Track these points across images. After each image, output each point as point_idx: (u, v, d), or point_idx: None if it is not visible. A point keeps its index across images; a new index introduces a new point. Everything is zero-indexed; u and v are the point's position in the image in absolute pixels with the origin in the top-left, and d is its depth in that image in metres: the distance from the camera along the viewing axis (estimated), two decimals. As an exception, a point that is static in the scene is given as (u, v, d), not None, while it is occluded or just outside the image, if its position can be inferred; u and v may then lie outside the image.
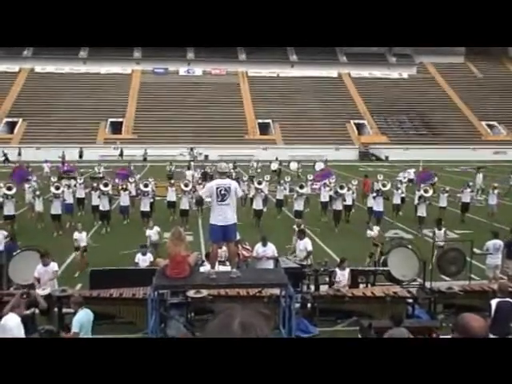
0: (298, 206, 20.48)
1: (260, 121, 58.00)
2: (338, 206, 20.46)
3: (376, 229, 15.37)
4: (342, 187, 21.13)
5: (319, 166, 33.68)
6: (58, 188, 19.65)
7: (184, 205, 20.12)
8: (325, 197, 21.89)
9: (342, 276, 11.29)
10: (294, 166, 35.20)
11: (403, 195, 22.64)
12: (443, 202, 21.38)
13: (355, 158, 51.31)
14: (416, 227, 19.52)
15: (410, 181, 28.24)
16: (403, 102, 61.93)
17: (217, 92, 61.15)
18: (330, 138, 54.75)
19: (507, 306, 7.74)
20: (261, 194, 20.81)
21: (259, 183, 21.54)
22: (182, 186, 20.70)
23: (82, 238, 14.46)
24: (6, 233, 14.06)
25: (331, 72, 67.16)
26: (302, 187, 21.33)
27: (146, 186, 20.78)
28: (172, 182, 23.16)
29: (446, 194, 21.57)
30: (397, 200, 21.83)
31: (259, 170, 30.21)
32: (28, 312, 8.84)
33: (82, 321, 7.77)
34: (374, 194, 20.37)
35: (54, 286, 10.69)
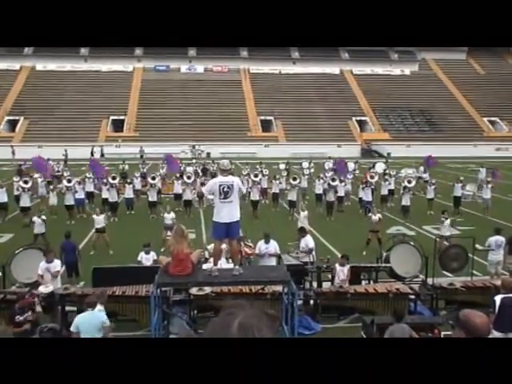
0: (292, 196, 22.10)
1: (262, 118, 57.97)
2: (330, 197, 21.90)
3: (378, 215, 16.77)
4: (333, 180, 22.98)
5: (328, 165, 33.47)
6: (69, 181, 21.78)
7: (187, 196, 22.06)
8: (319, 189, 23.30)
9: (342, 272, 11.31)
10: (305, 165, 34.75)
11: (391, 187, 23.90)
12: (431, 194, 22.73)
13: (357, 154, 51.20)
14: (403, 217, 20.96)
15: (420, 178, 28.27)
16: (405, 99, 61.84)
17: (219, 89, 61.12)
18: (332, 135, 54.68)
19: (511, 301, 7.75)
20: (257, 186, 22.62)
21: (255, 176, 23.70)
22: (185, 179, 22.89)
23: (100, 220, 16.07)
24: (43, 218, 16.17)
25: (333, 69, 67.06)
26: (294, 179, 23.37)
27: (153, 178, 22.79)
28: (178, 175, 24.64)
29: (433, 186, 22.89)
30: (384, 191, 23.22)
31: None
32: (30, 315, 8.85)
33: (79, 322, 7.54)
34: (363, 186, 22.09)
35: (57, 283, 10.73)
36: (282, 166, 32.44)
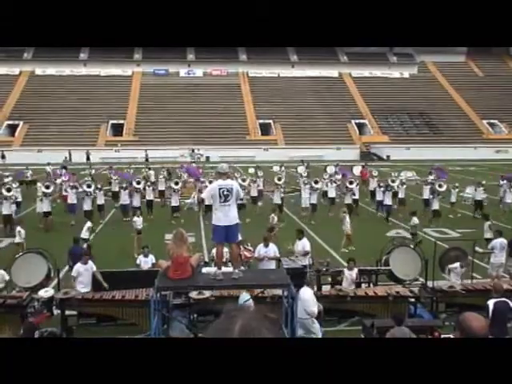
0: (313, 199, 21.94)
1: (261, 121, 58.01)
2: (348, 200, 21.97)
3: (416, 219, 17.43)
4: (351, 182, 22.74)
5: (331, 170, 33.28)
6: (89, 186, 21.43)
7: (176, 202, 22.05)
8: (332, 192, 23.24)
9: (350, 276, 11.31)
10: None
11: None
12: (453, 198, 22.72)
13: (356, 157, 51.22)
14: (431, 221, 20.66)
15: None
16: (404, 102, 61.91)
17: (217, 93, 61.19)
18: (331, 138, 54.75)
19: (504, 305, 7.71)
20: (244, 191, 22.33)
21: (243, 180, 23.66)
22: (173, 185, 22.65)
23: (139, 221, 16.72)
24: (90, 224, 16.24)
25: (332, 72, 67.19)
26: (316, 182, 22.89)
27: (176, 183, 22.68)
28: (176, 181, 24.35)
29: (457, 190, 22.96)
30: (402, 195, 23.08)
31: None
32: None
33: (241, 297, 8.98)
34: (383, 189, 21.97)
35: (89, 285, 10.90)
36: (277, 169, 32.33)
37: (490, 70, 69.53)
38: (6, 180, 25.29)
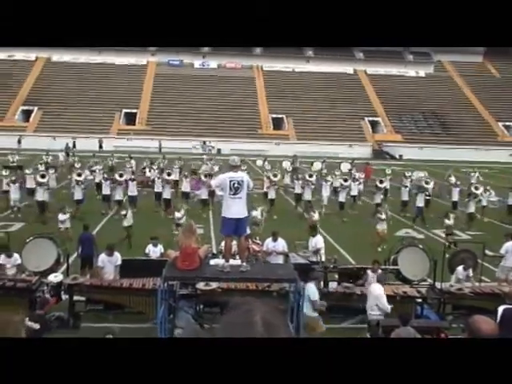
0: (342, 198, 21.76)
1: (274, 116, 57.88)
2: (377, 199, 21.63)
3: (452, 217, 17.24)
4: (381, 182, 22.65)
5: (317, 166, 33.29)
6: (121, 176, 21.43)
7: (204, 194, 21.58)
8: (354, 190, 23.05)
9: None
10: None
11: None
12: (484, 202, 22.36)
13: (369, 155, 50.94)
14: (465, 225, 20.23)
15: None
16: (419, 101, 61.36)
17: (231, 86, 61.14)
18: (344, 134, 54.51)
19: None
20: (274, 187, 22.55)
21: (274, 176, 23.39)
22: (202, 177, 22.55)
23: (179, 215, 16.44)
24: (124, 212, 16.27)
25: (347, 68, 66.76)
26: (346, 180, 22.93)
27: (206, 176, 21.97)
28: (186, 173, 24.12)
29: (488, 193, 22.57)
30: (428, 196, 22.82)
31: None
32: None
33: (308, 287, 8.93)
34: (415, 191, 21.58)
35: (116, 276, 10.94)
36: (260, 163, 32.43)
37: (507, 71, 68.59)
38: (39, 167, 25.50)
